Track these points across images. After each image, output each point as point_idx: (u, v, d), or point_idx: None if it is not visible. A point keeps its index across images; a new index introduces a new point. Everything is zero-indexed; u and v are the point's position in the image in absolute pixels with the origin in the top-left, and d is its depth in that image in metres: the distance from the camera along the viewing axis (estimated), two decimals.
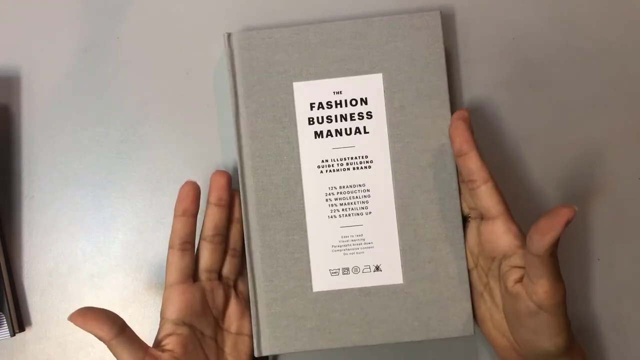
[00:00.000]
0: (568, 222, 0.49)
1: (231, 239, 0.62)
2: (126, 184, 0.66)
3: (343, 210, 0.61)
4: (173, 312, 0.58)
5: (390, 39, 0.62)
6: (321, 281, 0.61)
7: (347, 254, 0.61)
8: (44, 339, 0.65)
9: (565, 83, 0.66)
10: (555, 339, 0.54)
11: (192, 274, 0.60)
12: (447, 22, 0.66)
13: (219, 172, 0.61)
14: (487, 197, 0.57)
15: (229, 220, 0.62)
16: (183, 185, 0.60)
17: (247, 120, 0.62)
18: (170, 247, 0.59)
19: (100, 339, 0.53)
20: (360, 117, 0.62)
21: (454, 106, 0.65)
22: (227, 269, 0.62)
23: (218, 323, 0.61)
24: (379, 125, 0.61)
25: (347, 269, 0.61)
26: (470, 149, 0.57)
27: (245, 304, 0.62)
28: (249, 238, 0.61)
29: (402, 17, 0.62)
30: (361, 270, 0.61)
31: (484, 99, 0.66)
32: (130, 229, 0.66)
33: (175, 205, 0.59)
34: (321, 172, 0.61)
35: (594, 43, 0.66)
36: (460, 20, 0.66)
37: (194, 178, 0.66)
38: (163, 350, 0.56)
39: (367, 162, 0.61)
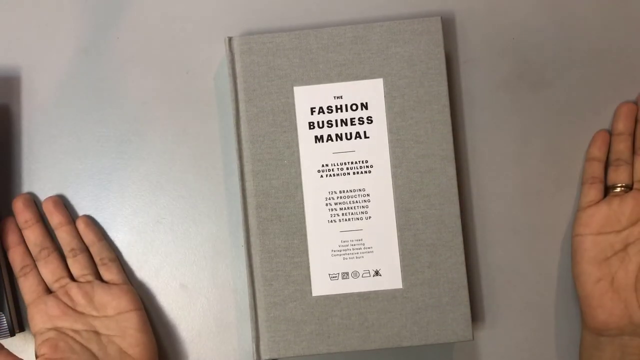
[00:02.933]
0: None
1: (62, 244, 0.64)
2: (126, 184, 0.66)
3: (343, 214, 0.61)
4: (35, 325, 0.63)
5: (391, 44, 0.62)
6: (320, 286, 0.61)
7: (346, 259, 0.61)
8: None
9: (565, 83, 0.66)
10: None
11: (43, 289, 0.64)
12: (447, 22, 0.66)
13: (14, 200, 0.64)
14: None
15: (51, 228, 0.65)
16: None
17: (248, 124, 0.62)
18: (16, 276, 0.64)
19: None
20: (361, 122, 0.62)
21: (454, 111, 0.65)
22: (75, 269, 0.64)
23: (89, 315, 0.63)
24: (379, 130, 0.62)
25: (347, 273, 0.61)
26: None
27: (120, 285, 0.64)
28: (248, 242, 0.62)
29: (403, 22, 0.62)
30: (361, 275, 0.61)
31: (484, 99, 0.66)
32: (130, 229, 0.66)
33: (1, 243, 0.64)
34: (321, 176, 0.61)
35: (594, 43, 0.66)
36: (460, 21, 0.66)
37: (193, 179, 0.66)
38: (37, 357, 0.62)
39: (367, 166, 0.61)
